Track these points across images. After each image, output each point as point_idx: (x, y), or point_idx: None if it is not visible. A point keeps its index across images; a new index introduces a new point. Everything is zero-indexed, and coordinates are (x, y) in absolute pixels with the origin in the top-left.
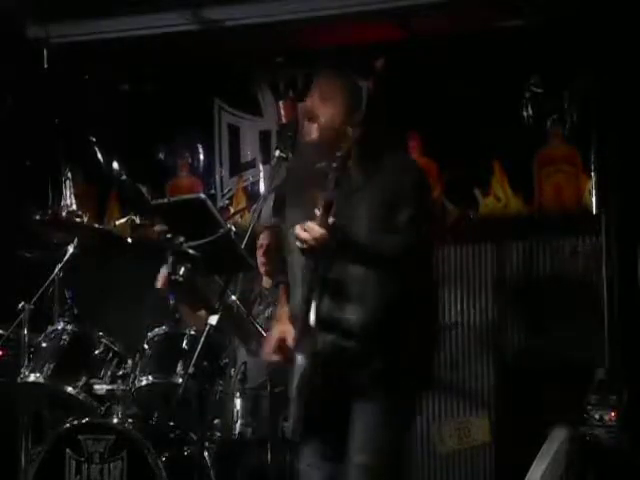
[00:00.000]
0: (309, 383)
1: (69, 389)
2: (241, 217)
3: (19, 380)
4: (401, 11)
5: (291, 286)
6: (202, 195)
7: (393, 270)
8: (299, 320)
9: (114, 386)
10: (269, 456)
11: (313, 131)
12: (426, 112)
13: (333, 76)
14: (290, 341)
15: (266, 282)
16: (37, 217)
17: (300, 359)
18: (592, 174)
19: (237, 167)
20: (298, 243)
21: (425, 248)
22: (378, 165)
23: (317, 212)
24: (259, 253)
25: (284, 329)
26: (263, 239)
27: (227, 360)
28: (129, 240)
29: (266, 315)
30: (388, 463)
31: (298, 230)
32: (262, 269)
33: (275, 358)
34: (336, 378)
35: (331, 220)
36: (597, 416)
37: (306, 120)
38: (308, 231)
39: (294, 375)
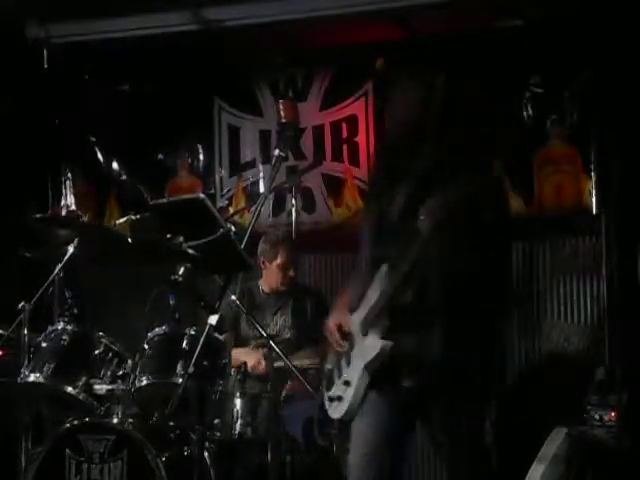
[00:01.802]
0: (380, 366)
1: (69, 389)
2: (240, 217)
3: (19, 380)
4: (401, 11)
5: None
6: (201, 195)
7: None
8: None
9: (114, 386)
10: (269, 456)
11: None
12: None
13: (409, 71)
14: (346, 327)
15: (266, 286)
16: (37, 216)
17: (373, 340)
18: (592, 174)
19: (237, 167)
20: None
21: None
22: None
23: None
24: (275, 269)
25: (340, 316)
26: (281, 257)
27: (227, 360)
28: (129, 240)
29: (267, 322)
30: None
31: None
32: (277, 284)
33: (337, 343)
34: (408, 366)
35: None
36: (597, 416)
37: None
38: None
39: (359, 356)
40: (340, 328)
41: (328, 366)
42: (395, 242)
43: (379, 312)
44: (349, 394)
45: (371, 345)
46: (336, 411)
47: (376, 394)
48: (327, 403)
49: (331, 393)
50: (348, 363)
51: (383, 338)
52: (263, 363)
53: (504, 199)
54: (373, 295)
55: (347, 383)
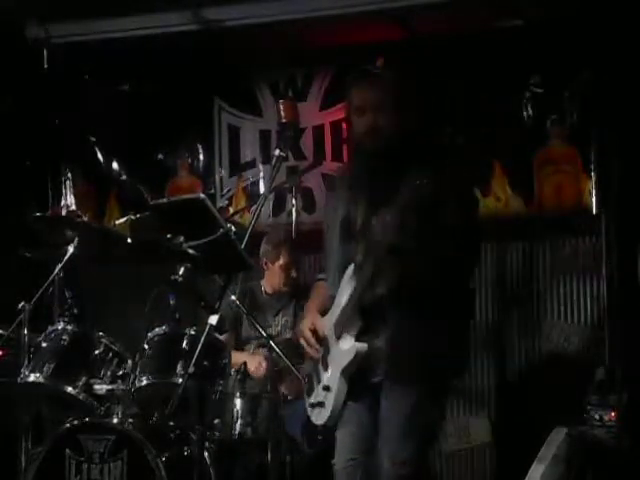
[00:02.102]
0: (355, 370)
1: (69, 389)
2: (240, 217)
3: (19, 380)
4: (401, 11)
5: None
6: (202, 195)
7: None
8: (345, 312)
9: (114, 386)
10: (269, 456)
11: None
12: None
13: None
14: (320, 332)
15: (269, 287)
16: (37, 216)
17: (348, 344)
18: (592, 174)
19: (237, 167)
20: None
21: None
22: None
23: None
24: (277, 270)
25: (314, 320)
26: (284, 257)
27: (227, 360)
28: (129, 240)
29: (268, 323)
30: (422, 454)
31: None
32: (279, 284)
33: (314, 348)
34: (376, 368)
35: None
36: (597, 416)
37: (357, 116)
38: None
39: (336, 361)
40: (315, 332)
41: (306, 371)
42: (360, 243)
43: (350, 314)
44: (330, 400)
45: (346, 349)
46: (319, 417)
47: (355, 400)
48: (309, 409)
49: (312, 399)
50: (326, 368)
51: (357, 340)
52: (264, 365)
53: (467, 198)
54: (342, 297)
55: (327, 388)
